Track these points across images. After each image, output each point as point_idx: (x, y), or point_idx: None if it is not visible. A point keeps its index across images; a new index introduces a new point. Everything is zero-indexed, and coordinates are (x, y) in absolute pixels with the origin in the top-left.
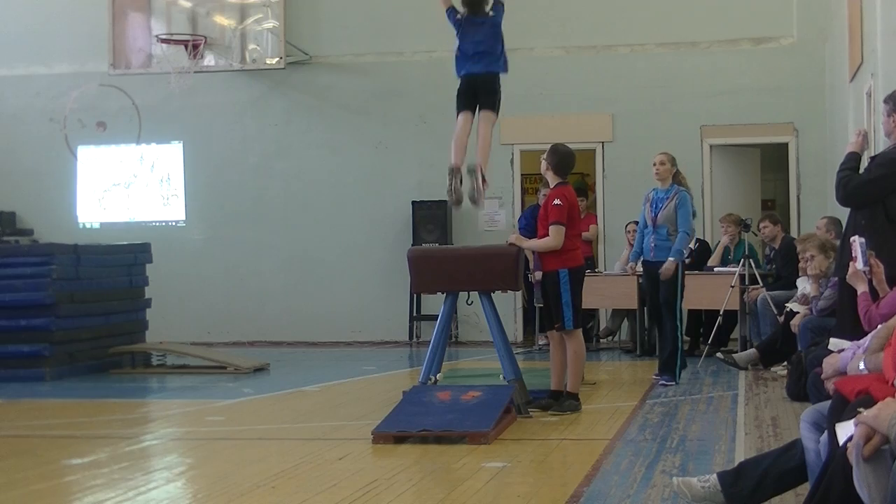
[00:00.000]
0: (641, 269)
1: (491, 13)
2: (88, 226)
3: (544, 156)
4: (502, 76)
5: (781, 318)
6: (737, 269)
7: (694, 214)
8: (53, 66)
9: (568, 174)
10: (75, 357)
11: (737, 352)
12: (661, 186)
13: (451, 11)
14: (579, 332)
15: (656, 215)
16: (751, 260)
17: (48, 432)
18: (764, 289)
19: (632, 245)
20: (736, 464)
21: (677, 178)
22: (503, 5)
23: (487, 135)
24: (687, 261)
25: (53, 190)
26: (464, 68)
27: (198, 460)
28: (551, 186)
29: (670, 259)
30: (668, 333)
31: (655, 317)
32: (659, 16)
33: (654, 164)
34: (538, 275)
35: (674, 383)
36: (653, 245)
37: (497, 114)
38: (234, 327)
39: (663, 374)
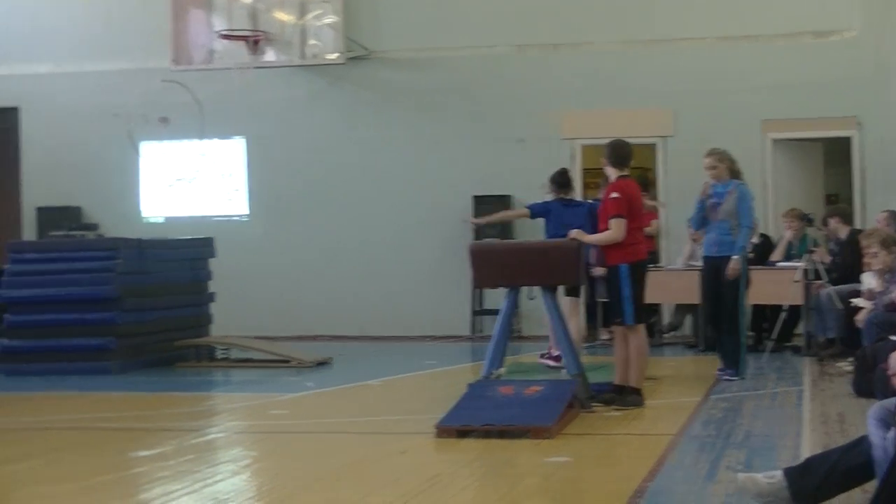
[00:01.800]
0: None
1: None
2: (153, 220)
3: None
4: None
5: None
6: (800, 264)
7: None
8: (117, 63)
9: (627, 165)
10: (141, 350)
11: (801, 347)
12: (718, 182)
13: (537, 206)
14: (641, 327)
15: (716, 210)
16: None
17: (115, 425)
18: (828, 283)
19: (694, 240)
20: (802, 460)
21: (734, 172)
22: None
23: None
24: (750, 255)
25: (118, 185)
26: None
27: (262, 453)
28: (612, 181)
29: (734, 258)
30: (731, 329)
31: (713, 312)
32: (720, 9)
33: (706, 168)
34: (599, 270)
35: (738, 378)
36: (714, 241)
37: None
38: (297, 321)
39: (727, 368)
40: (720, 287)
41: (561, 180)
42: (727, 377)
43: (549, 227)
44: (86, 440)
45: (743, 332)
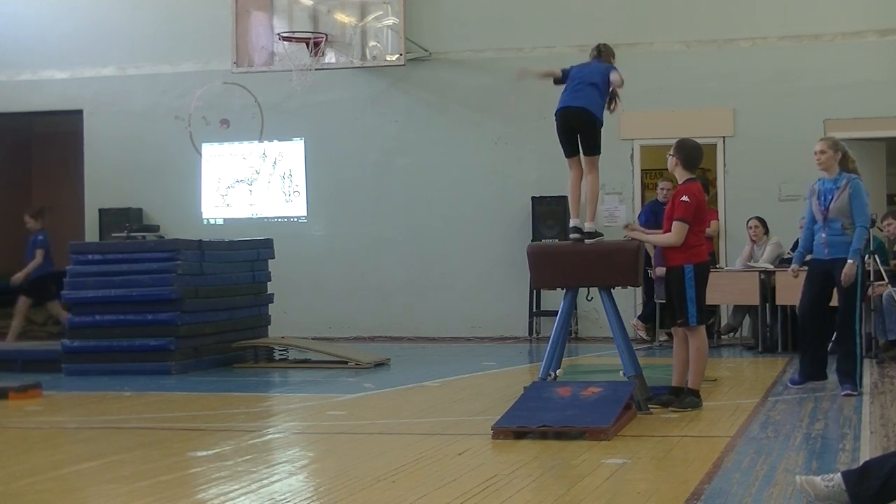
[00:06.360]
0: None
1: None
2: (212, 222)
3: (671, 152)
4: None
5: None
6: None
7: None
8: (179, 65)
9: (696, 168)
10: (200, 351)
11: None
12: (827, 176)
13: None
14: (703, 328)
15: (827, 208)
16: (875, 256)
17: (174, 425)
18: (889, 285)
19: (754, 241)
20: (861, 463)
21: (845, 164)
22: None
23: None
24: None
25: (179, 186)
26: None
27: (319, 454)
28: (680, 182)
29: (849, 262)
30: (846, 339)
31: (815, 318)
32: (781, 8)
33: (815, 153)
34: (660, 270)
35: (857, 393)
36: (825, 242)
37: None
38: (355, 322)
39: (844, 383)
40: (830, 293)
41: None
42: (847, 392)
43: None
44: (144, 440)
45: (858, 343)
